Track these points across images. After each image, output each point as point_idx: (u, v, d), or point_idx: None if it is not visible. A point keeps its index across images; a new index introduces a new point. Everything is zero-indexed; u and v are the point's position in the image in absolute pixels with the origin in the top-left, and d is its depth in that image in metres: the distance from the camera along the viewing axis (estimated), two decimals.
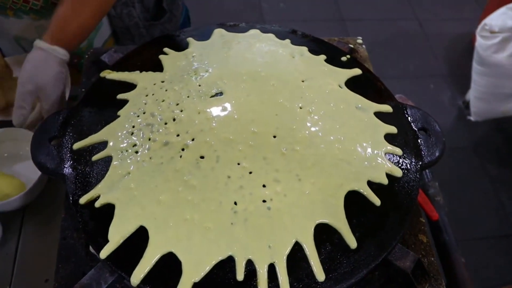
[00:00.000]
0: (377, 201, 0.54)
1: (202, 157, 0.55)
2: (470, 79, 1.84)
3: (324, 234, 0.52)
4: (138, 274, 0.48)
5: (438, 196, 0.79)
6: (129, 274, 0.48)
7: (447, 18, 2.44)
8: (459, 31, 2.35)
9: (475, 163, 1.86)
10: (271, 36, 0.73)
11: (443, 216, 0.76)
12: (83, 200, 0.53)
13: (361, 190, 0.55)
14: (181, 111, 0.59)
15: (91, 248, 0.57)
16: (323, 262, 0.50)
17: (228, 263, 0.49)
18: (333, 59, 0.70)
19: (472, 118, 1.87)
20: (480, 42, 1.72)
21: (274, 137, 0.57)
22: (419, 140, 0.62)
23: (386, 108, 0.64)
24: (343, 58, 0.71)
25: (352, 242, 0.51)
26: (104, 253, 0.49)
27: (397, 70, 2.15)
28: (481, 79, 1.75)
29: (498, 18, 1.68)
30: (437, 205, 0.77)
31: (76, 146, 0.58)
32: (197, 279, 0.47)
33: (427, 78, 2.16)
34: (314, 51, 0.71)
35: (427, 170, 0.83)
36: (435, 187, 0.80)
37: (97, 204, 0.53)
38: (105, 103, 0.64)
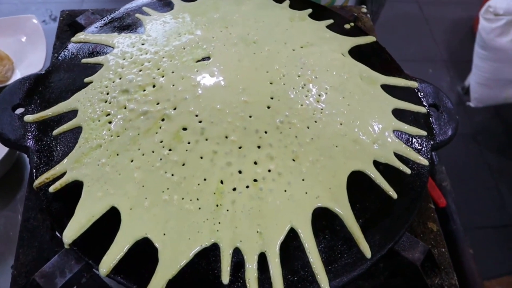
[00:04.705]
0: (392, 192, 0.48)
1: (184, 129, 0.48)
2: (469, 65, 1.79)
3: (324, 220, 0.45)
4: (108, 262, 0.41)
5: (445, 181, 0.73)
6: (98, 262, 0.42)
7: (447, 1, 2.38)
8: (460, 15, 2.29)
9: (474, 150, 1.81)
10: None
11: (451, 203, 0.70)
12: (47, 175, 0.47)
13: (367, 171, 0.48)
14: (162, 76, 0.52)
15: (57, 231, 0.51)
16: (321, 251, 0.43)
17: (212, 252, 0.42)
18: (336, 26, 0.64)
19: (472, 104, 1.82)
20: (483, 24, 1.65)
21: (268, 107, 0.50)
22: (430, 118, 0.56)
23: (395, 80, 0.58)
24: (347, 26, 0.64)
25: (356, 230, 0.45)
26: (68, 238, 0.43)
27: (395, 53, 2.06)
28: (484, 63, 1.69)
29: (504, 0, 1.62)
30: (444, 191, 0.71)
31: (42, 115, 0.51)
32: (174, 272, 0.41)
33: (426, 62, 2.10)
34: (315, 17, 0.64)
35: (433, 153, 0.77)
36: (442, 172, 0.74)
37: (61, 182, 0.46)
38: (78, 68, 0.57)
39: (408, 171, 0.50)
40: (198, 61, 0.54)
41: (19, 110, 0.53)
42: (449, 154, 1.68)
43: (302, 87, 0.53)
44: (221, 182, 0.45)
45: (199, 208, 0.44)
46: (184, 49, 0.55)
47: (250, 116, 0.49)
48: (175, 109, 0.49)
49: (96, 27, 0.62)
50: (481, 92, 1.75)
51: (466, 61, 1.83)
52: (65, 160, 0.48)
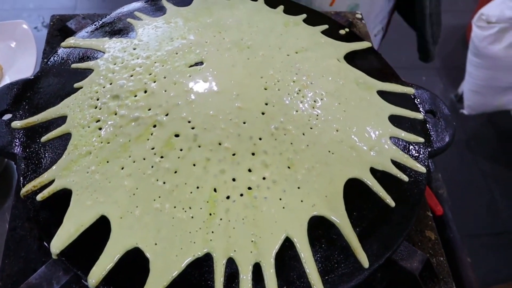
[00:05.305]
0: (390, 200, 0.47)
1: (177, 136, 0.47)
2: (463, 72, 1.79)
3: (320, 229, 0.44)
4: (97, 273, 0.40)
5: (442, 189, 0.72)
6: (87, 273, 0.40)
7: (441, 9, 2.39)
8: (453, 23, 2.29)
9: (468, 157, 1.81)
10: (260, 2, 0.65)
11: (447, 211, 0.69)
12: (34, 183, 0.45)
13: (364, 179, 0.47)
14: (154, 82, 0.50)
15: (44, 241, 0.49)
16: (318, 261, 0.42)
17: (205, 262, 0.41)
18: (330, 32, 0.63)
19: (465, 111, 1.82)
20: (476, 32, 1.66)
21: (263, 114, 0.49)
22: (427, 125, 0.55)
23: (391, 87, 0.57)
24: (341, 32, 0.64)
25: (353, 239, 0.43)
26: (56, 248, 0.41)
27: (388, 61, 2.08)
28: (477, 71, 1.69)
29: (496, 8, 1.62)
30: (440, 199, 0.70)
31: (30, 122, 0.50)
32: (166, 283, 0.40)
33: (419, 70, 2.10)
34: (310, 22, 0.64)
35: (429, 160, 0.76)
36: (439, 179, 0.73)
37: (50, 190, 0.45)
38: (67, 73, 0.55)
39: (405, 178, 0.49)
40: (191, 66, 0.53)
41: (7, 116, 0.52)
42: (443, 161, 1.68)
43: (297, 93, 0.52)
44: (215, 190, 0.44)
45: (192, 217, 0.42)
46: (177, 54, 0.54)
47: (244, 123, 0.48)
48: (167, 115, 0.48)
49: (87, 32, 0.60)
50: (474, 99, 1.75)
51: (459, 68, 1.83)
52: (54, 168, 0.46)
